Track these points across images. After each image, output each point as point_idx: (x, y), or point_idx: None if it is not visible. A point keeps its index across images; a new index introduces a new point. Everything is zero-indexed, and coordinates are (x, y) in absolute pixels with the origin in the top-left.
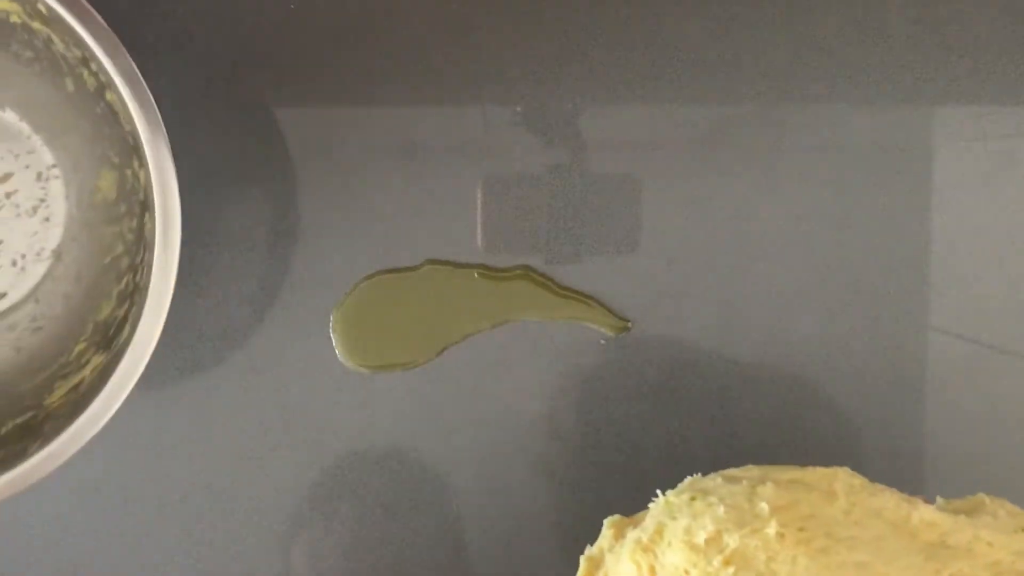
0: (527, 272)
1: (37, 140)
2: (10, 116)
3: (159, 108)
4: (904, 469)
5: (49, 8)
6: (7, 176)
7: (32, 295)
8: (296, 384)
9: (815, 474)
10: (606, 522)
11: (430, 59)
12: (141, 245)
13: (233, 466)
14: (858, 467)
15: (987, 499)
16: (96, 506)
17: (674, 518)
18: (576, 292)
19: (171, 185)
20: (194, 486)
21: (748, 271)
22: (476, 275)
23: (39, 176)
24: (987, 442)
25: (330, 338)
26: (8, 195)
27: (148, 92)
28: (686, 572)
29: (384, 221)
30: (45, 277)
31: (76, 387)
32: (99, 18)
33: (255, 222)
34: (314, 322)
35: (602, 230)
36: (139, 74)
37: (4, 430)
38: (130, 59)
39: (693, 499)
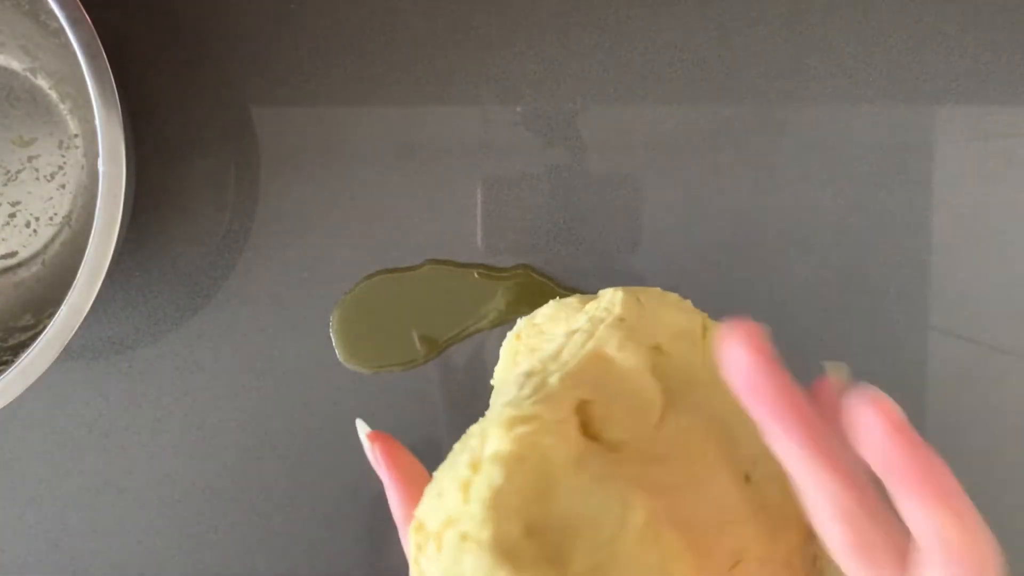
0: (527, 272)
1: (63, 109)
2: (42, 83)
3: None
4: None
5: None
6: (32, 140)
7: (39, 256)
8: (296, 384)
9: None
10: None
11: (430, 59)
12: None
13: (233, 466)
14: None
15: None
16: (97, 506)
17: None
18: (576, 292)
19: (119, 152)
20: (194, 485)
21: (748, 271)
22: (476, 275)
23: (60, 144)
24: (987, 442)
25: (330, 338)
26: (30, 159)
27: (108, 68)
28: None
29: (384, 221)
30: (52, 240)
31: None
32: None
33: (255, 222)
34: (314, 322)
35: (602, 230)
36: (100, 47)
37: None
38: (93, 31)
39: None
